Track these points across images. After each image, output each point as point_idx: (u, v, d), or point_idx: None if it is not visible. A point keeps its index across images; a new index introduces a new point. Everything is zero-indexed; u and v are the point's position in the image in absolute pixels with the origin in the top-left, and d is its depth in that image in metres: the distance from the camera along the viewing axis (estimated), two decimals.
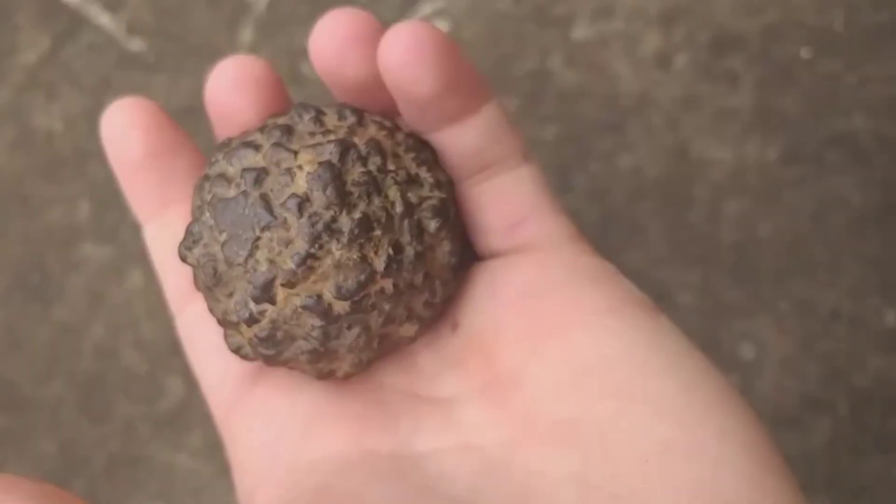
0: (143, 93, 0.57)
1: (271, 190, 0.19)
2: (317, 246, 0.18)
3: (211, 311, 0.20)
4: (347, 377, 0.21)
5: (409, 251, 0.19)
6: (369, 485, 0.19)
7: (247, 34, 0.55)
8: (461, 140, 0.21)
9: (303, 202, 0.18)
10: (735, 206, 0.49)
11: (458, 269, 0.21)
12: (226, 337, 0.20)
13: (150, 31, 0.56)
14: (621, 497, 0.17)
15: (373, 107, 0.21)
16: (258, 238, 0.19)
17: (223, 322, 0.20)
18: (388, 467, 0.19)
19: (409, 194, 0.19)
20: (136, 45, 0.56)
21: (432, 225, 0.20)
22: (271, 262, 0.19)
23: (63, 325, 0.53)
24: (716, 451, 0.17)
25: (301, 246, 0.18)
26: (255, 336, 0.19)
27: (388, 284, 0.19)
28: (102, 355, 0.52)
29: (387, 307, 0.19)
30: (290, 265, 0.18)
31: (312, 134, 0.20)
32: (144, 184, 0.22)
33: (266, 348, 0.20)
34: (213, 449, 0.50)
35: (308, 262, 0.18)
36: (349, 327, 0.19)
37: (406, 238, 0.19)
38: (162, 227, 0.23)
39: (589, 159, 0.51)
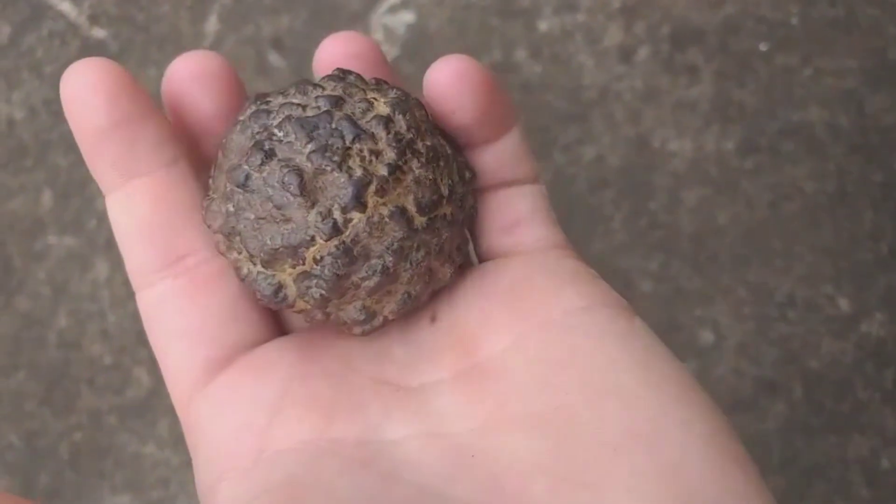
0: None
1: (352, 112, 0.20)
2: (403, 160, 0.20)
3: (251, 250, 0.20)
4: (376, 329, 0.21)
5: (459, 189, 0.21)
6: (338, 476, 0.19)
7: (212, 23, 0.54)
8: (488, 159, 0.22)
9: (388, 121, 0.20)
10: (694, 196, 0.50)
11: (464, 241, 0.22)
12: (261, 280, 0.20)
13: (113, 20, 0.55)
14: (590, 485, 0.17)
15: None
16: (349, 148, 0.19)
17: (279, 252, 0.20)
18: (354, 456, 0.19)
19: (447, 147, 0.21)
20: (98, 33, 0.55)
21: (467, 174, 0.21)
22: (364, 168, 0.19)
23: (26, 316, 0.52)
24: (679, 440, 0.18)
25: (391, 156, 0.19)
26: (333, 251, 0.19)
27: (448, 211, 0.20)
28: (67, 346, 0.52)
29: (445, 234, 0.20)
30: (383, 172, 0.19)
31: (363, 89, 0.21)
32: (109, 153, 0.21)
33: (339, 267, 0.19)
34: (181, 438, 0.50)
35: (397, 172, 0.19)
36: (417, 248, 0.20)
37: (456, 177, 0.21)
38: (126, 198, 0.21)
39: (553, 149, 0.51)
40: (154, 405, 0.50)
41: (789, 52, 0.51)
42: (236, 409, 0.21)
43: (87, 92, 0.20)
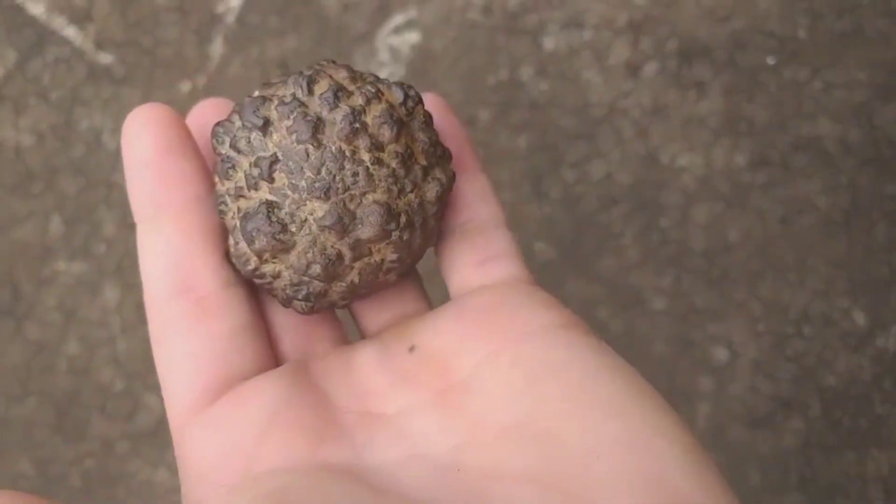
0: (113, 106, 0.56)
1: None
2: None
3: None
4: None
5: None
6: (328, 486, 0.19)
7: (217, 46, 0.54)
8: (459, 187, 0.24)
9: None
10: (705, 211, 0.50)
11: None
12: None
13: (119, 45, 0.55)
14: (577, 492, 0.18)
15: None
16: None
17: None
18: (344, 475, 0.19)
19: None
20: (105, 58, 0.55)
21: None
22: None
23: (36, 342, 0.52)
24: (661, 448, 0.18)
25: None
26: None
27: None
28: (77, 373, 0.51)
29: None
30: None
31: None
32: (147, 182, 0.23)
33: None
34: None
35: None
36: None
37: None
38: (154, 230, 0.23)
39: (561, 167, 0.51)
40: (165, 431, 0.50)
41: (798, 65, 0.51)
42: (224, 432, 0.21)
43: (138, 128, 0.23)
